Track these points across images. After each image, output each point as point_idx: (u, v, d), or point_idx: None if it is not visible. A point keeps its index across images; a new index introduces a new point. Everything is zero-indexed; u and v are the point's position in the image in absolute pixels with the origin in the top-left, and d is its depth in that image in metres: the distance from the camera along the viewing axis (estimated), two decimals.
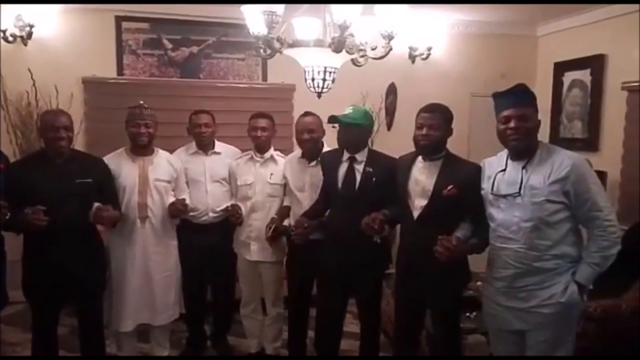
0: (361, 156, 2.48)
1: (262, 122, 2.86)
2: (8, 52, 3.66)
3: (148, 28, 4.04)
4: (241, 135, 3.07)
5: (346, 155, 2.50)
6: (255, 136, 2.85)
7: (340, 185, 2.47)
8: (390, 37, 2.30)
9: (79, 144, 2.63)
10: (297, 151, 2.83)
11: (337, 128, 2.51)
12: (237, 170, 2.93)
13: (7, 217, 2.04)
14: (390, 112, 4.41)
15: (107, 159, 2.66)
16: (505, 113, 1.98)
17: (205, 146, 2.97)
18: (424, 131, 2.20)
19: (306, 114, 2.76)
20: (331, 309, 2.60)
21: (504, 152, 2.08)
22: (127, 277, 2.63)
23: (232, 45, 4.19)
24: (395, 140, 3.51)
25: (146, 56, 4.06)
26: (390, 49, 2.37)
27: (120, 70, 4.00)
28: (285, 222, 2.78)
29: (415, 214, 2.25)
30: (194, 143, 2.99)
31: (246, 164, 2.92)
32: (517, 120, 1.95)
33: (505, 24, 4.47)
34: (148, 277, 2.68)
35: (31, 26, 3.66)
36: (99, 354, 2.63)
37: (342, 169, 2.49)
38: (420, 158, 2.30)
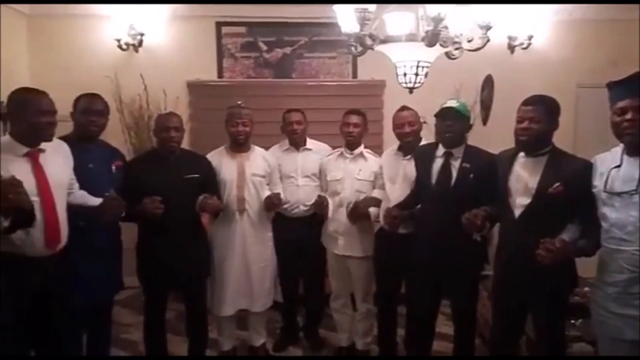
0: (458, 152, 2.40)
1: (355, 119, 2.89)
2: (122, 59, 4.03)
3: (245, 32, 4.24)
4: (332, 132, 3.12)
5: (441, 150, 2.44)
6: (347, 132, 2.89)
7: (434, 180, 2.42)
8: (487, 28, 2.20)
9: (184, 143, 2.82)
10: (395, 145, 2.82)
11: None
12: (327, 166, 2.99)
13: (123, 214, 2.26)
14: (487, 105, 4.22)
15: (209, 156, 2.85)
16: (621, 104, 1.81)
17: (297, 143, 3.07)
18: (525, 125, 2.08)
19: (403, 108, 2.75)
20: (422, 309, 2.56)
21: (619, 147, 1.90)
22: (227, 265, 2.80)
23: (324, 44, 4.26)
24: (491, 135, 3.36)
25: (243, 59, 4.26)
26: (488, 40, 2.26)
27: (220, 73, 4.24)
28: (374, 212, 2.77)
29: (517, 212, 2.13)
30: (287, 140, 3.11)
31: (336, 160, 2.96)
32: (635, 111, 1.77)
33: (614, 7, 4.07)
34: (246, 266, 2.82)
35: (142, 35, 4.00)
36: (203, 338, 2.82)
37: (437, 164, 2.43)
38: (522, 154, 2.17)
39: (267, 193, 2.84)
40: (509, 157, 2.22)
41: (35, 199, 1.93)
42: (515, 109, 2.18)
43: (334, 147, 3.09)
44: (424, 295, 2.53)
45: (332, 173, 2.95)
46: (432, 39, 2.10)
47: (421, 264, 2.48)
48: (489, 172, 2.28)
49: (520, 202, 2.13)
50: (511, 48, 4.16)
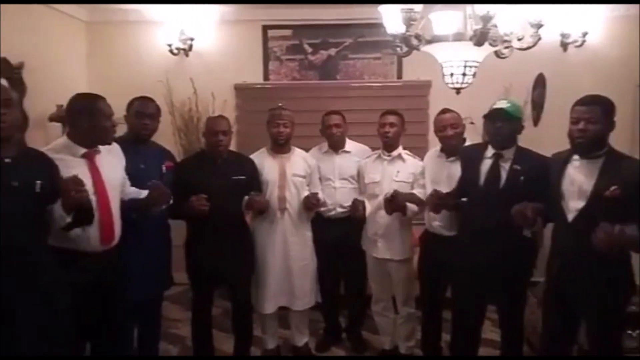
0: (508, 153, 2.34)
1: (391, 119, 2.87)
2: (174, 63, 4.17)
3: (291, 35, 4.29)
4: (377, 134, 3.09)
5: (490, 151, 2.37)
6: (384, 132, 2.86)
7: (482, 182, 2.36)
8: (539, 26, 2.13)
9: (231, 144, 2.89)
10: (438, 147, 2.79)
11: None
12: (365, 168, 2.98)
13: (171, 201, 2.34)
14: (538, 105, 4.08)
15: (252, 157, 2.90)
16: None
17: (335, 146, 3.07)
18: (581, 126, 2.00)
19: (444, 111, 2.71)
20: (467, 313, 2.50)
21: None
22: (269, 263, 2.84)
23: (368, 45, 4.25)
24: (543, 137, 3.24)
25: (288, 61, 4.32)
26: (539, 38, 2.19)
27: (266, 75, 4.32)
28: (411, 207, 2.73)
29: (570, 216, 2.06)
30: (326, 143, 3.12)
31: (374, 162, 2.95)
32: None
33: None
34: (287, 264, 2.86)
35: (192, 39, 4.13)
36: (248, 335, 2.89)
37: (485, 165, 2.37)
38: (576, 156, 2.09)
39: (306, 193, 2.87)
40: (562, 160, 2.14)
41: (91, 197, 2.02)
42: (568, 109, 2.10)
43: (375, 149, 3.05)
44: (469, 300, 2.47)
45: (370, 175, 2.94)
46: (480, 38, 2.06)
47: (466, 268, 2.42)
48: (540, 175, 2.20)
49: (574, 205, 2.05)
50: (564, 46, 4.01)
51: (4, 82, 2.75)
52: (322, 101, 3.98)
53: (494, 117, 2.33)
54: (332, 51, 4.30)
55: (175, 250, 2.74)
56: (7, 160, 1.76)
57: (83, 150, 2.14)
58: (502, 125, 2.31)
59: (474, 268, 2.38)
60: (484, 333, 2.61)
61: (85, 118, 2.12)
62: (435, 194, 2.47)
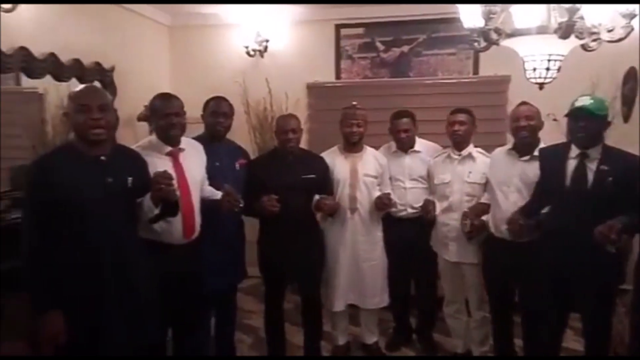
0: (594, 152, 2.19)
1: (460, 117, 2.78)
2: (249, 64, 4.32)
3: (363, 33, 4.29)
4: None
5: (575, 150, 2.23)
6: (453, 130, 2.78)
7: (567, 184, 2.22)
8: (632, 16, 1.98)
9: (302, 143, 2.94)
10: (507, 145, 2.68)
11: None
12: (434, 168, 2.91)
13: (241, 205, 2.41)
14: (629, 101, 3.77)
15: (323, 155, 2.93)
16: None
17: (404, 147, 3.01)
18: None
19: (522, 103, 2.58)
20: (547, 322, 2.37)
21: None
22: (339, 261, 2.87)
23: (443, 41, 4.16)
24: (634, 133, 3.01)
25: (360, 59, 4.32)
26: (632, 29, 2.04)
27: (338, 74, 4.35)
28: (484, 218, 2.65)
29: None
30: (394, 143, 3.06)
31: (443, 162, 2.87)
32: None
33: None
34: (357, 263, 2.87)
35: (267, 41, 4.25)
36: (317, 330, 2.94)
37: (570, 166, 2.23)
38: None
39: (377, 193, 2.85)
40: None
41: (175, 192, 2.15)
42: None
43: (447, 147, 2.96)
44: (549, 308, 2.35)
45: (439, 176, 2.86)
46: (566, 31, 1.95)
47: (548, 274, 2.30)
48: (631, 176, 2.06)
49: None
50: None
51: (97, 85, 3.00)
52: (394, 99, 3.94)
53: (576, 116, 2.19)
54: (405, 48, 4.25)
55: (248, 246, 2.85)
56: (102, 158, 1.92)
57: (168, 148, 2.29)
58: (585, 123, 2.16)
59: (556, 273, 2.26)
60: (566, 342, 2.47)
61: (153, 117, 2.32)
62: (514, 221, 2.36)
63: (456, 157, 2.81)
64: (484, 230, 2.63)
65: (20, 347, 2.53)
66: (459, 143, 2.80)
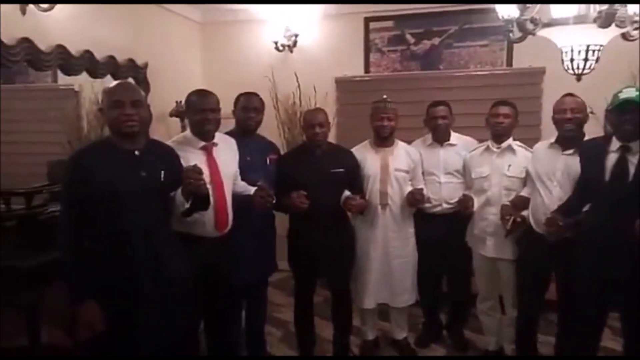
0: (636, 146, 2.10)
1: (505, 109, 2.71)
2: (278, 59, 4.33)
3: (393, 25, 4.24)
4: (482, 125, 2.93)
5: (616, 144, 2.15)
6: (496, 122, 2.71)
7: (607, 178, 2.15)
8: None
9: (331, 137, 2.93)
10: (549, 139, 2.59)
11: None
12: (471, 162, 2.84)
13: (274, 201, 2.43)
14: None
15: (354, 150, 2.91)
16: None
17: (440, 138, 2.96)
18: None
19: (568, 94, 2.49)
20: (584, 320, 2.31)
21: None
22: (369, 258, 2.84)
23: (474, 32, 4.07)
24: None
25: (390, 52, 4.27)
26: None
27: (367, 68, 4.32)
28: (524, 213, 2.58)
29: None
30: (430, 135, 3.02)
31: (481, 155, 2.80)
32: None
33: None
34: (387, 261, 2.84)
35: (296, 35, 4.25)
36: (347, 325, 2.93)
37: (610, 160, 2.15)
38: None
39: (409, 189, 2.81)
40: None
41: (208, 186, 2.17)
42: None
43: (482, 142, 2.90)
44: (588, 307, 2.27)
45: (477, 169, 2.79)
46: (606, 20, 1.88)
47: (587, 271, 2.23)
48: None
49: None
50: None
51: (131, 81, 3.07)
52: (425, 92, 3.89)
53: (622, 109, 2.10)
54: (436, 40, 4.17)
55: (278, 240, 2.87)
56: (136, 152, 1.96)
57: (202, 143, 2.33)
58: (632, 116, 2.07)
59: (596, 270, 2.19)
60: (603, 341, 2.39)
61: (189, 113, 2.39)
62: (554, 221, 2.28)
63: (495, 149, 2.74)
64: (524, 226, 2.57)
65: (59, 335, 2.63)
66: (500, 136, 2.73)
